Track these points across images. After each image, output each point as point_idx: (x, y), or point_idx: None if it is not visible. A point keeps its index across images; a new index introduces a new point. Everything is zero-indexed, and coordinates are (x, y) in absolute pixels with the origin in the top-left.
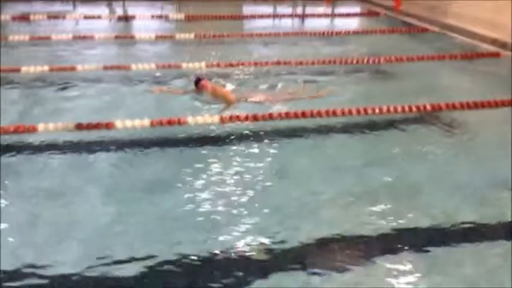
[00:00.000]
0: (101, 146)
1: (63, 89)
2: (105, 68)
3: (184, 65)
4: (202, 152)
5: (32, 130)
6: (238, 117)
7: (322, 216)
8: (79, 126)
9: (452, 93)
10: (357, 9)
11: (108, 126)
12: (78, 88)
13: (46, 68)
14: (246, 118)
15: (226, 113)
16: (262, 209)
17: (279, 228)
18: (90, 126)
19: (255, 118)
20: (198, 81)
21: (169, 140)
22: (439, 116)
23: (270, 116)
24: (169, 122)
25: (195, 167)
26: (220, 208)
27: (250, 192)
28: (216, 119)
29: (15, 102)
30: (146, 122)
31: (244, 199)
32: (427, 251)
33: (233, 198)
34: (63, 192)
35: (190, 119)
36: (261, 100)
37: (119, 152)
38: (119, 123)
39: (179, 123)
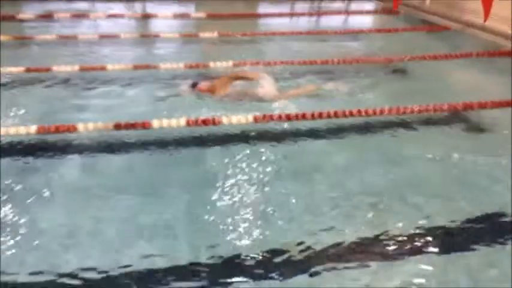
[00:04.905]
0: (136, 146)
1: (95, 88)
2: (135, 67)
3: (211, 64)
4: (235, 151)
5: (73, 129)
6: (271, 117)
7: (345, 217)
8: (117, 126)
9: (481, 92)
10: (376, 6)
11: (145, 125)
12: (110, 87)
13: (77, 67)
14: (280, 117)
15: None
16: (289, 208)
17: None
18: (128, 126)
19: (288, 118)
20: (194, 86)
21: (204, 139)
22: (467, 115)
23: (304, 116)
24: (205, 122)
25: (228, 165)
26: (251, 207)
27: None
28: (250, 118)
29: (50, 102)
30: (182, 121)
31: (274, 198)
32: (448, 253)
33: (264, 196)
34: (101, 192)
35: (224, 119)
36: (292, 97)
37: (154, 151)
38: (155, 123)
39: (214, 123)
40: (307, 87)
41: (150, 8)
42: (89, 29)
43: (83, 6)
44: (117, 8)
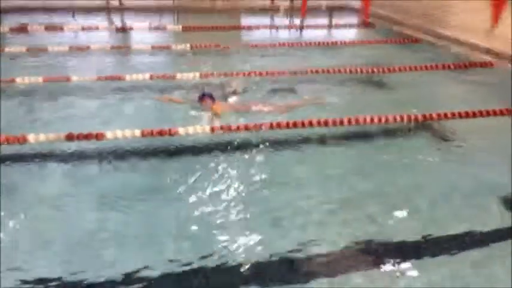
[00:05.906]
0: (91, 157)
1: (56, 99)
2: (99, 78)
3: (178, 75)
4: (193, 162)
5: (23, 141)
6: (229, 128)
7: (314, 224)
8: (69, 137)
9: (445, 103)
10: (352, 20)
11: (98, 136)
12: (72, 99)
13: (40, 79)
14: (238, 128)
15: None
16: (252, 216)
17: (272, 235)
18: (80, 137)
19: (247, 128)
20: (201, 97)
21: (161, 151)
22: (431, 125)
23: (261, 126)
24: (160, 133)
25: (185, 176)
26: (210, 217)
27: (240, 201)
28: (207, 129)
29: (8, 113)
30: (137, 132)
31: (233, 208)
32: (417, 259)
33: (222, 207)
34: (52, 202)
35: (181, 130)
36: (257, 110)
37: (109, 162)
38: (109, 134)
39: (170, 133)
40: (286, 104)
41: (128, 21)
42: (61, 41)
43: (60, 19)
44: (95, 21)
